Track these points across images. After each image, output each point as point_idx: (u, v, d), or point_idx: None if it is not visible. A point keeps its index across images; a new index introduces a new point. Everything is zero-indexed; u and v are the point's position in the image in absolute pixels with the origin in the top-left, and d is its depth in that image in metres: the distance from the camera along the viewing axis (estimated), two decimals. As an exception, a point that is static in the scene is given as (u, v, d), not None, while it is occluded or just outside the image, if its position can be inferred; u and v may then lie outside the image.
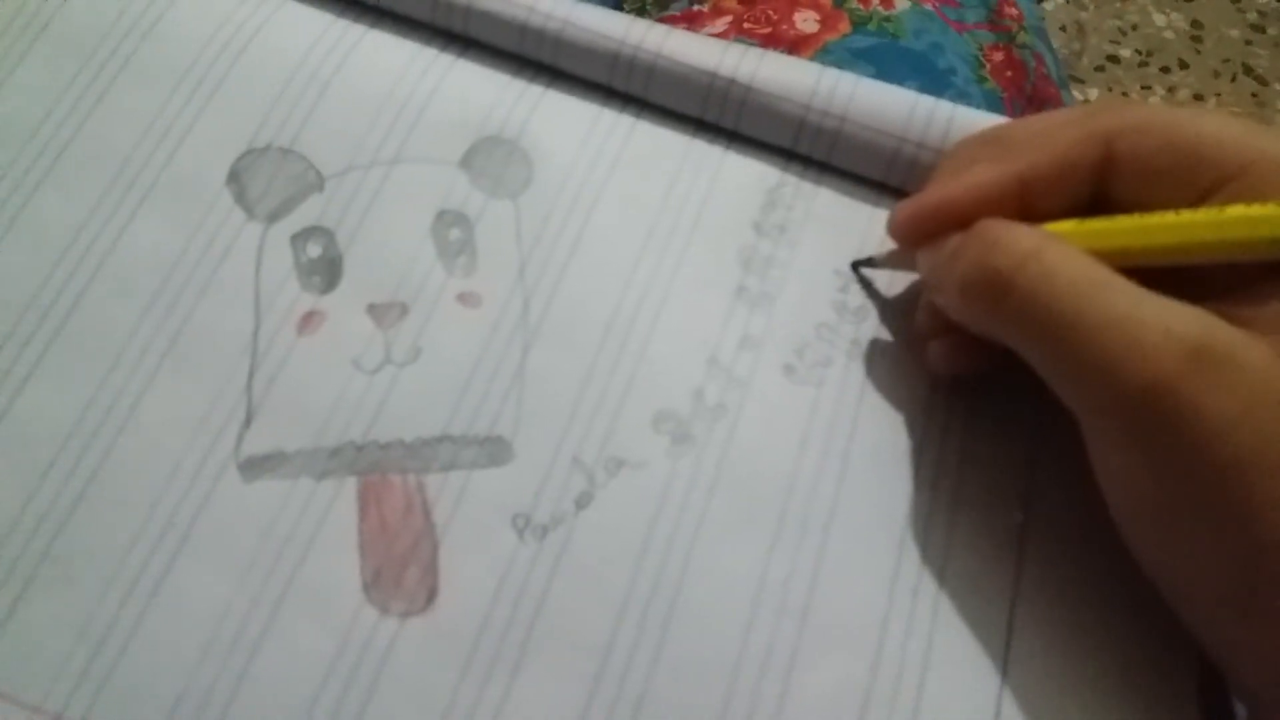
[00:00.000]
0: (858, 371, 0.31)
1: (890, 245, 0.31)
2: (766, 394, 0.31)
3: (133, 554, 0.28)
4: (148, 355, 0.31)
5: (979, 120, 0.32)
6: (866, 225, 0.33)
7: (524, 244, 0.32)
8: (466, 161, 0.33)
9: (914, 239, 0.30)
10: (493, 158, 0.33)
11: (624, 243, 0.33)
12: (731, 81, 0.33)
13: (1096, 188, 0.28)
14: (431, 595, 0.28)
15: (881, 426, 0.31)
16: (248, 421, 0.30)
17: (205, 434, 0.30)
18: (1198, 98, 1.44)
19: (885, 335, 0.32)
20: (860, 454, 0.30)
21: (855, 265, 0.33)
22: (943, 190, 0.29)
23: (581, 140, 0.34)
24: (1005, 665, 0.28)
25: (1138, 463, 0.25)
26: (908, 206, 0.30)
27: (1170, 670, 0.28)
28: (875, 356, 0.32)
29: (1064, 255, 0.25)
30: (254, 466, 0.29)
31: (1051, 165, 0.28)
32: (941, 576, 0.29)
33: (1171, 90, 1.44)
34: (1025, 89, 0.42)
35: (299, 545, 0.29)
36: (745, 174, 0.34)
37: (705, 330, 0.31)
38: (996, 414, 0.31)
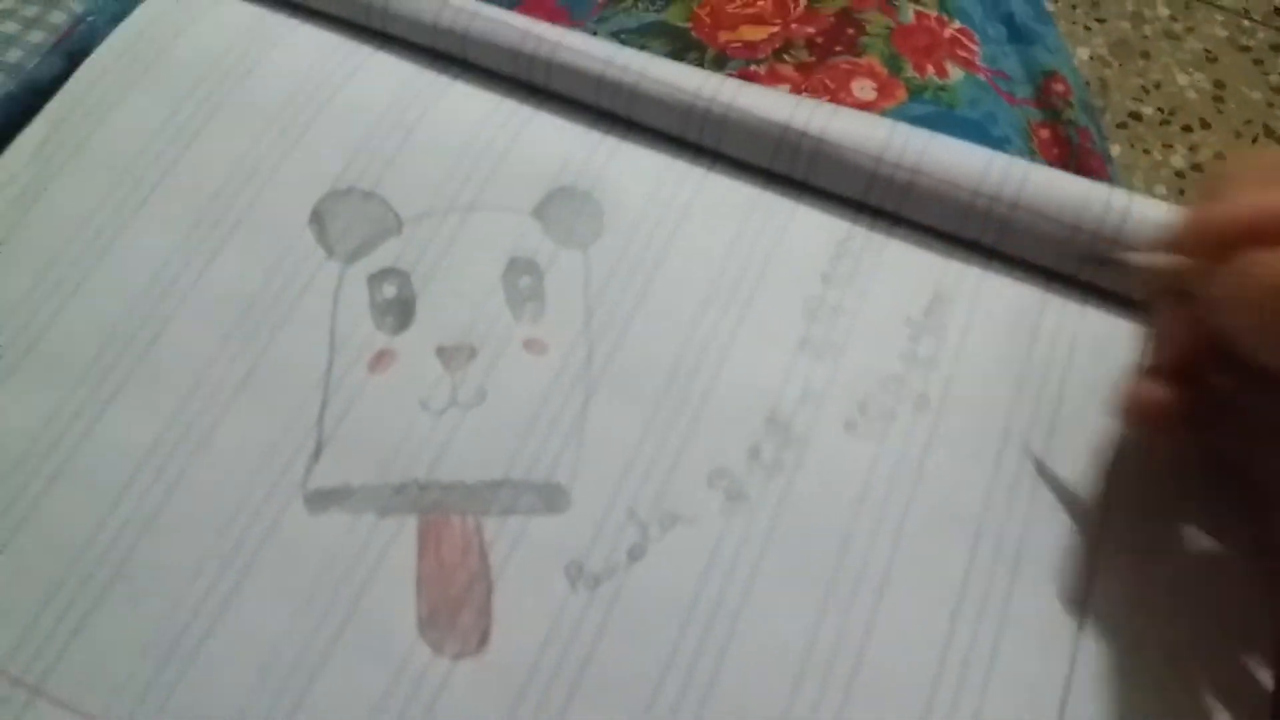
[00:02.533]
0: (924, 426, 0.28)
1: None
2: (825, 451, 0.28)
3: (200, 577, 0.26)
4: (224, 385, 0.29)
5: (1055, 179, 0.30)
6: (940, 275, 0.30)
7: (591, 294, 0.30)
8: (540, 211, 0.31)
9: (1214, 251, 0.24)
10: (566, 208, 0.31)
11: (689, 295, 0.30)
12: (803, 134, 0.30)
13: None
14: (484, 638, 0.26)
15: (944, 485, 0.28)
16: (316, 454, 0.28)
17: (275, 464, 0.28)
18: (1219, 157, 1.38)
19: (956, 387, 0.29)
20: (919, 513, 0.27)
21: (1096, 257, 0.29)
22: (1245, 210, 0.24)
23: (652, 191, 0.32)
24: (1055, 745, 0.25)
25: None
26: (1215, 214, 0.25)
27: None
28: (943, 410, 0.29)
29: None
30: (320, 499, 0.27)
31: None
32: (995, 649, 0.26)
33: (1193, 149, 1.39)
34: (1070, 166, 0.39)
35: (359, 579, 0.26)
36: (814, 226, 0.31)
37: (766, 384, 0.29)
38: (1065, 477, 0.28)
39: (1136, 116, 1.41)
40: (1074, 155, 0.39)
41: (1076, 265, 0.30)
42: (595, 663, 0.26)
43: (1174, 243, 0.25)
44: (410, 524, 0.27)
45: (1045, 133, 0.39)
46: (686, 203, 0.31)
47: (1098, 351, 0.29)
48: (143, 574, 0.27)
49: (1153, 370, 0.27)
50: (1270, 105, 1.43)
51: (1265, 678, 0.26)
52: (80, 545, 0.27)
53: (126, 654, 0.26)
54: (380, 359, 0.29)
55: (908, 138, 0.30)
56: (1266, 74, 1.47)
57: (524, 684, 0.25)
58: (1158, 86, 1.45)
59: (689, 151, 0.32)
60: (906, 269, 0.30)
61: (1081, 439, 0.28)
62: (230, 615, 0.26)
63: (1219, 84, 1.45)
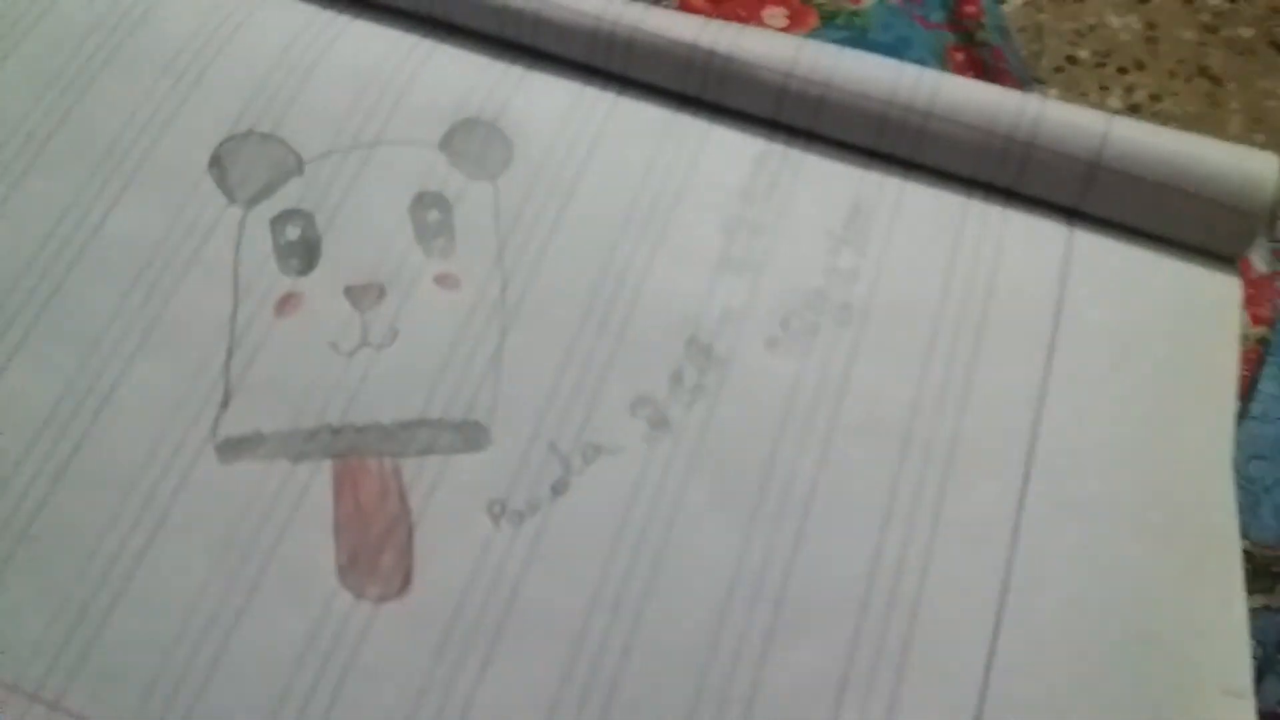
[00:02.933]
0: (847, 338, 0.27)
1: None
2: (747, 371, 0.27)
3: (110, 535, 0.25)
4: (127, 338, 0.27)
5: (965, 87, 0.29)
6: (858, 186, 0.29)
7: (503, 225, 0.29)
8: (446, 143, 0.30)
9: None
10: (472, 138, 0.30)
11: (603, 222, 0.29)
12: (712, 53, 0.29)
13: None
14: (406, 580, 0.25)
15: (869, 396, 0.27)
16: (225, 403, 0.26)
17: (183, 415, 0.26)
18: (1154, 98, 1.39)
19: (879, 297, 0.28)
20: (845, 427, 0.26)
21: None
22: None
23: (562, 119, 0.30)
24: (992, 653, 0.24)
25: None
26: None
27: (1182, 659, 0.24)
28: (866, 321, 0.28)
29: None
30: (231, 448, 0.26)
31: None
32: (927, 558, 0.25)
33: (1129, 90, 1.39)
34: (984, 84, 0.39)
35: (275, 528, 0.25)
36: (729, 146, 0.30)
37: (685, 307, 0.28)
38: (998, 381, 0.27)
39: (1072, 60, 1.41)
40: (988, 75, 0.38)
41: (994, 171, 0.29)
42: (521, 600, 0.25)
43: None
44: (325, 469, 0.26)
45: (960, 55, 0.38)
46: (597, 130, 0.30)
47: (1022, 255, 0.28)
48: (50, 535, 0.25)
49: None
50: (1202, 44, 1.43)
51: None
52: None
53: (37, 617, 0.24)
54: (286, 302, 0.28)
55: (817, 53, 0.29)
56: (1197, 12, 1.48)
57: (449, 625, 0.24)
58: (1092, 29, 1.45)
59: (598, 78, 0.31)
60: (825, 183, 0.29)
61: (1010, 342, 0.27)
62: (144, 572, 0.25)
63: (1151, 25, 1.45)
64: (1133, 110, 1.31)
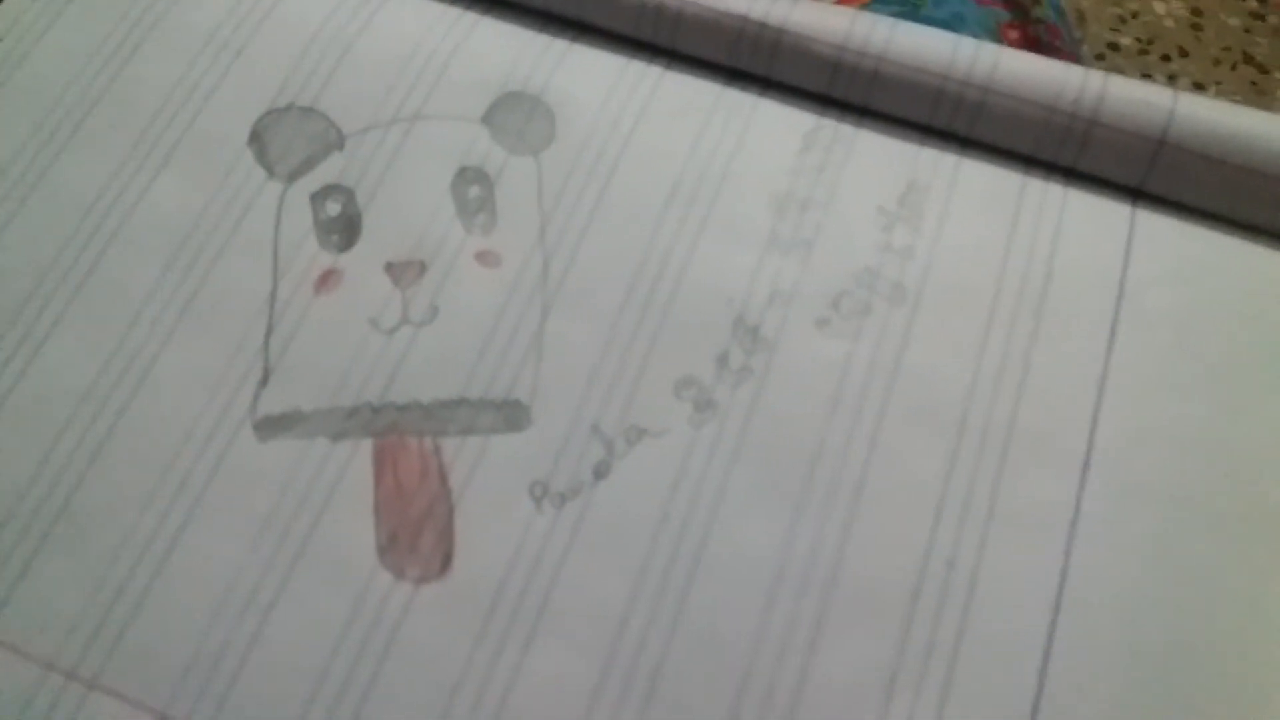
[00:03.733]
0: (900, 319, 0.26)
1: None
2: (796, 353, 0.26)
3: (147, 513, 0.25)
4: (165, 314, 0.27)
5: (1024, 61, 0.27)
6: (913, 163, 0.28)
7: (545, 202, 0.28)
8: (488, 118, 0.29)
9: None
10: (515, 113, 0.29)
11: (648, 199, 0.28)
12: (763, 25, 0.28)
13: None
14: (446, 561, 0.24)
15: (923, 381, 0.26)
16: (264, 380, 0.26)
17: (221, 393, 0.26)
18: (1198, 86, 1.35)
19: (934, 277, 0.27)
20: (897, 413, 0.25)
21: None
22: None
23: (606, 94, 0.29)
24: (1048, 648, 0.23)
25: None
26: None
27: (1249, 660, 0.23)
28: (920, 301, 0.26)
29: None
30: (269, 426, 0.25)
31: None
32: (981, 549, 0.24)
33: (1172, 78, 1.36)
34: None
35: (314, 507, 0.25)
36: (779, 121, 0.29)
37: (732, 287, 0.27)
38: (1057, 365, 0.26)
39: (1114, 47, 1.38)
40: (1043, 53, 0.36)
41: (1054, 148, 0.28)
42: (562, 584, 0.24)
43: None
44: (365, 447, 0.25)
45: (1014, 33, 0.37)
46: (643, 104, 0.29)
47: (1082, 235, 0.27)
48: (88, 513, 0.25)
49: None
50: (1248, 31, 1.39)
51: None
52: (22, 487, 0.25)
53: (76, 595, 0.24)
54: (326, 279, 0.27)
55: (871, 25, 0.28)
56: (1244, 0, 1.44)
57: (490, 607, 0.24)
58: (1135, 16, 1.41)
59: (644, 51, 0.30)
60: (878, 159, 0.28)
61: (1071, 323, 0.26)
62: (181, 551, 0.24)
63: (1196, 11, 1.41)
64: (1176, 98, 1.28)
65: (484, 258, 0.27)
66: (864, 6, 0.35)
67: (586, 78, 0.29)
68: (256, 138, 0.29)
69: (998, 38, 0.36)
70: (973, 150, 0.28)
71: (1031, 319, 0.26)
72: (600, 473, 0.25)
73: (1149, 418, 0.25)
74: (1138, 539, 0.24)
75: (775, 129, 0.29)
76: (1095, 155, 0.27)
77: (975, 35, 0.35)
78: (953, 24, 0.35)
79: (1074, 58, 0.37)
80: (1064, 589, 0.24)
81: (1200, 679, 0.23)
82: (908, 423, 0.25)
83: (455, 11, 0.30)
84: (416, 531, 0.24)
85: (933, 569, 0.24)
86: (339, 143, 0.29)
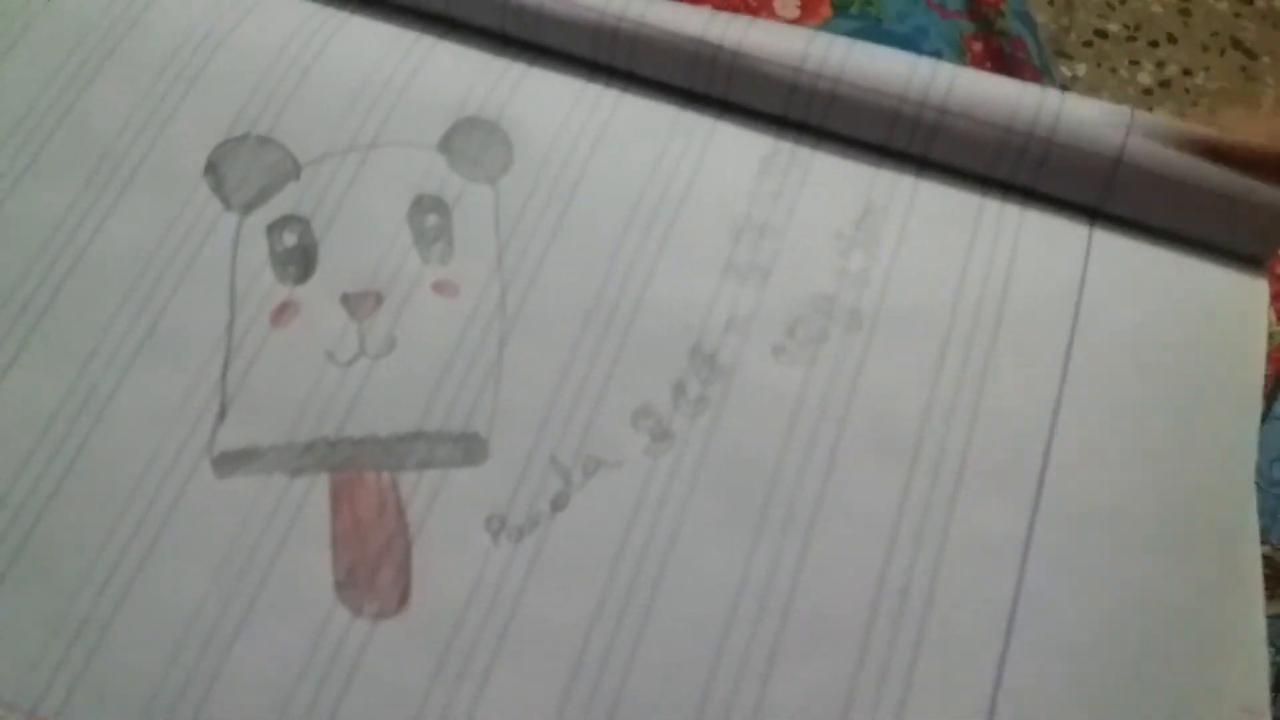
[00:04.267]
0: (856, 345, 0.26)
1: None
2: (752, 381, 0.26)
3: (107, 549, 0.25)
4: (124, 347, 0.27)
5: (983, 82, 0.27)
6: (870, 185, 0.28)
7: (503, 229, 0.28)
8: (445, 144, 0.29)
9: None
10: (471, 139, 0.29)
11: (606, 225, 0.28)
12: (719, 48, 0.28)
13: None
14: (404, 597, 0.24)
15: (878, 409, 0.26)
16: (222, 415, 0.26)
17: (180, 428, 0.26)
18: (1187, 73, 1.35)
19: (890, 302, 0.27)
20: (852, 441, 0.25)
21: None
22: None
23: (564, 118, 0.29)
24: (1000, 673, 0.23)
25: None
26: None
27: (1198, 677, 0.23)
28: (877, 326, 0.27)
29: None
30: (228, 462, 0.25)
31: None
32: (935, 576, 0.24)
33: (1160, 65, 1.35)
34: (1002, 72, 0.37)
35: (272, 543, 0.25)
36: (737, 144, 0.29)
37: (690, 315, 0.27)
38: (1012, 390, 0.26)
39: (1102, 34, 1.37)
40: (1006, 66, 0.36)
41: (1011, 168, 0.28)
42: (521, 617, 0.24)
43: None
44: (322, 483, 0.25)
45: (978, 45, 0.37)
46: (600, 128, 0.29)
47: (1039, 255, 0.27)
48: (48, 549, 0.25)
49: None
50: (1237, 15, 1.39)
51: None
52: None
53: (34, 633, 0.24)
54: (283, 311, 0.27)
55: (828, 46, 0.28)
56: (1231, -16, 1.43)
57: (448, 642, 0.24)
58: (1123, 2, 1.41)
59: (601, 74, 0.30)
60: (835, 182, 0.28)
61: (1026, 346, 0.26)
62: (140, 587, 0.24)
63: (1183, -4, 1.41)
64: (1164, 86, 1.28)
65: (441, 287, 0.27)
66: (825, 21, 0.35)
67: (543, 101, 0.29)
68: (213, 168, 0.29)
69: (961, 50, 0.36)
70: (930, 171, 0.28)
71: (987, 342, 0.26)
72: (558, 504, 0.25)
73: (1103, 440, 0.25)
74: (1090, 564, 0.24)
75: (733, 152, 0.29)
76: (1052, 175, 0.27)
77: (938, 48, 0.35)
78: (916, 37, 0.35)
79: (1037, 70, 0.37)
80: (1015, 614, 0.24)
81: (1152, 702, 0.23)
82: (862, 451, 0.25)
83: (411, 35, 0.30)
84: (374, 567, 0.24)
85: (887, 596, 0.24)
86: (295, 172, 0.28)
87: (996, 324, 0.26)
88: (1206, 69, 1.34)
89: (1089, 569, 0.24)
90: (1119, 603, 0.24)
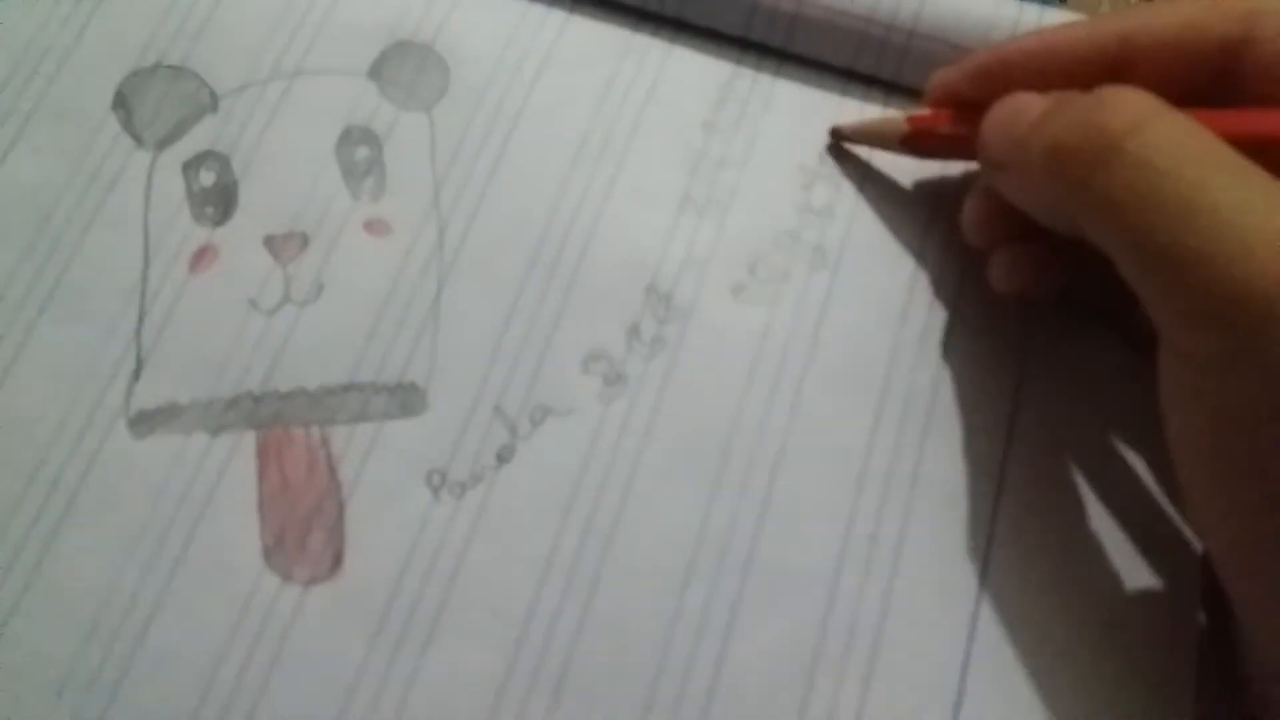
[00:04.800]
0: (820, 283, 0.25)
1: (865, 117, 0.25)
2: (711, 322, 0.24)
3: (14, 521, 0.23)
4: (28, 301, 0.24)
5: (955, 2, 0.25)
6: (834, 114, 0.26)
7: (439, 162, 0.26)
8: (375, 71, 0.26)
9: (976, 95, 0.22)
10: (404, 65, 0.27)
11: (552, 157, 0.26)
12: None
13: (1218, 73, 0.21)
14: (337, 560, 0.22)
15: (844, 349, 0.24)
16: (137, 372, 0.24)
17: (92, 386, 0.24)
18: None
19: (856, 237, 0.25)
20: (817, 382, 0.24)
21: (833, 136, 0.26)
22: (1021, 43, 0.22)
23: (505, 41, 0.27)
24: (974, 622, 0.22)
25: (1229, 388, 0.17)
26: (970, 60, 0.23)
27: (1167, 621, 0.22)
28: (841, 264, 0.25)
29: (1187, 126, 0.18)
30: (145, 421, 0.24)
31: (1168, 28, 0.21)
32: (905, 521, 0.23)
33: None
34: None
35: (194, 507, 0.23)
36: (693, 69, 0.27)
37: (644, 252, 0.25)
38: (982, 331, 0.24)
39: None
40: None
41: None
42: (463, 580, 0.22)
43: (936, 89, 0.24)
44: (248, 441, 0.23)
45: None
46: (545, 51, 0.27)
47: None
48: None
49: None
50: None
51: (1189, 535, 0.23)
52: None
53: None
54: (202, 256, 0.25)
55: (791, -42, 0.26)
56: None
57: (385, 607, 0.22)
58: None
59: (545, -8, 0.28)
60: (798, 110, 0.26)
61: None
62: (52, 560, 0.23)
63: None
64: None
65: (373, 226, 0.25)
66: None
67: (482, 23, 0.27)
68: (122, 102, 0.26)
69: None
70: (898, 97, 0.26)
71: (956, 279, 0.24)
72: (503, 457, 0.23)
73: (1071, 360, 0.24)
74: (1063, 498, 0.23)
75: (689, 78, 0.27)
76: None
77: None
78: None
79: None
80: (989, 558, 0.22)
81: (1128, 645, 0.22)
82: (828, 391, 0.24)
83: (337, -48, 0.28)
84: (305, 530, 0.23)
85: (855, 543, 0.23)
86: (212, 105, 0.26)
87: (966, 257, 0.25)
88: None
89: (1063, 503, 0.23)
90: (1091, 539, 0.23)
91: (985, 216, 0.23)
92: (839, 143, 0.26)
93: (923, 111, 0.24)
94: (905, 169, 0.26)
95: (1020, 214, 0.22)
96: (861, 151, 0.26)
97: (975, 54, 0.23)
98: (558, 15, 0.27)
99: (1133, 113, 0.18)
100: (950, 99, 0.23)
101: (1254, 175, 0.18)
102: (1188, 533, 0.23)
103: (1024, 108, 0.21)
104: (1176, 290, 0.18)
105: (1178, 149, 0.18)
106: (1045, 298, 0.23)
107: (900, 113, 0.24)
